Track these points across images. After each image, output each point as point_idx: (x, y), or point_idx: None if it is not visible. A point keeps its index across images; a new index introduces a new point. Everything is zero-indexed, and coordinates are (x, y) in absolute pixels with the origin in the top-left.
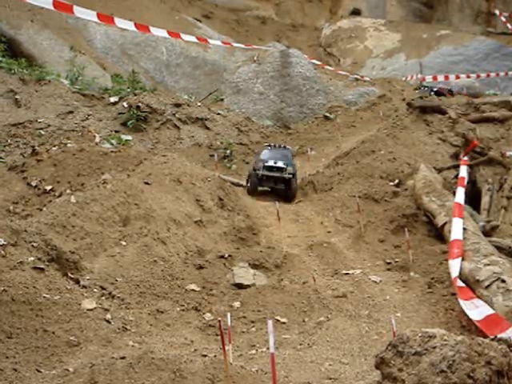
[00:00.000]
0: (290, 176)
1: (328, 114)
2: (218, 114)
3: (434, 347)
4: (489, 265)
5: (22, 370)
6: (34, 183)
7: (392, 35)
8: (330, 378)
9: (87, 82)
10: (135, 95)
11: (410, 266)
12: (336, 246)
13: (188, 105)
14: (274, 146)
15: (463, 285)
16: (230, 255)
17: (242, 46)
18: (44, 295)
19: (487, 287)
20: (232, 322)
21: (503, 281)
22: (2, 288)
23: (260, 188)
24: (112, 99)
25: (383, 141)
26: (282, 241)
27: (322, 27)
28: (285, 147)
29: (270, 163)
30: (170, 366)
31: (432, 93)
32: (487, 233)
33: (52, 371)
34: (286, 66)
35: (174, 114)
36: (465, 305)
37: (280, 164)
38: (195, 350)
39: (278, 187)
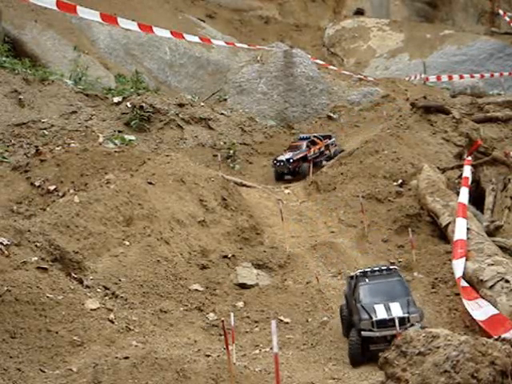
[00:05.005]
0: (418, 327)
1: (331, 114)
2: (222, 113)
3: (438, 347)
4: (493, 265)
5: (26, 370)
6: (37, 183)
7: (395, 35)
8: (334, 378)
9: (91, 82)
10: (139, 95)
11: (414, 265)
12: (339, 246)
13: (191, 105)
14: (373, 271)
15: (467, 285)
16: (233, 255)
17: (246, 46)
18: (47, 295)
19: (491, 287)
20: (235, 322)
21: (507, 281)
22: (6, 288)
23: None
24: (115, 99)
25: (387, 141)
26: (285, 241)
27: (325, 27)
28: (389, 269)
29: (381, 314)
30: (173, 366)
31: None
32: (491, 233)
33: (56, 371)
34: (289, 66)
35: (177, 114)
36: (468, 305)
37: (397, 311)
38: (199, 349)
39: None
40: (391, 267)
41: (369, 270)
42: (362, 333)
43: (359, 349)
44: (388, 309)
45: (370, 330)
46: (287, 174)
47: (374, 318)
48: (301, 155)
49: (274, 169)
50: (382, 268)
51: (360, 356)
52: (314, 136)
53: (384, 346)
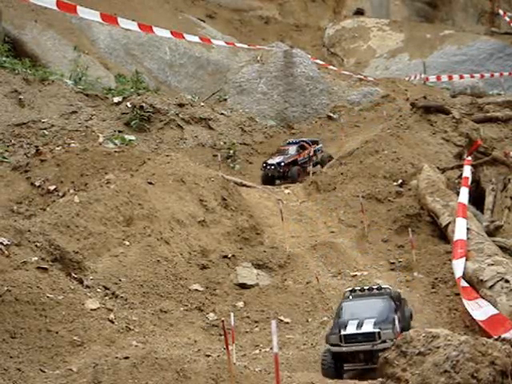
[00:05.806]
0: (389, 344)
1: (331, 114)
2: (222, 113)
3: (438, 347)
4: (492, 265)
5: (26, 370)
6: (37, 183)
7: (395, 35)
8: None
9: (91, 82)
10: (139, 95)
11: (414, 265)
12: (339, 246)
13: (191, 105)
14: (361, 289)
15: (467, 285)
16: (233, 255)
17: (246, 46)
18: (48, 295)
19: (491, 287)
20: (235, 322)
21: (507, 281)
22: (6, 288)
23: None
24: (115, 99)
25: (387, 141)
26: (285, 241)
27: (325, 27)
28: (379, 288)
29: (351, 329)
30: (173, 366)
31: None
32: (491, 233)
33: (56, 371)
34: (289, 66)
35: (177, 114)
36: (468, 305)
37: (367, 327)
38: (199, 349)
39: (371, 367)
40: (384, 286)
41: (358, 288)
42: (331, 348)
43: (330, 366)
44: (360, 325)
45: (338, 345)
46: (277, 177)
47: (342, 333)
48: (292, 159)
49: (264, 172)
50: (373, 287)
51: (331, 373)
52: (303, 141)
53: (359, 365)
